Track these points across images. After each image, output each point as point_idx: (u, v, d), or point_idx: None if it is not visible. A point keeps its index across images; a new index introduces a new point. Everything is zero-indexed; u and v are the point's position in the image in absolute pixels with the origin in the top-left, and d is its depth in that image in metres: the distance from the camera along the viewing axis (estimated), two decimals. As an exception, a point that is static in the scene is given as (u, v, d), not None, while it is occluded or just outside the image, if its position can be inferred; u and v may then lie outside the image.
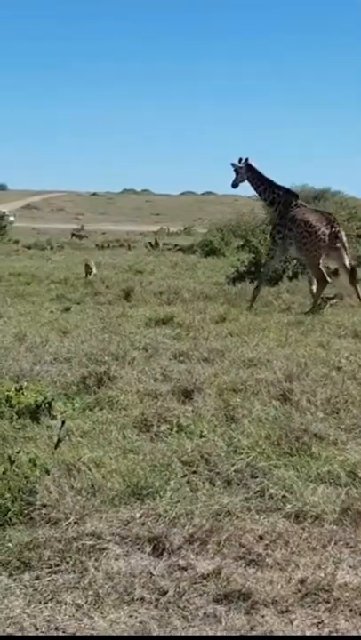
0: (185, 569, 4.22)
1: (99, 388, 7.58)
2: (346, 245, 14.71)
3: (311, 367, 8.25)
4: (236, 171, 15.58)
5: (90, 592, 3.97)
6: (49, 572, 4.17)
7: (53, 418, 6.54)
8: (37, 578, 4.13)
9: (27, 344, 9.81)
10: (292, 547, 4.45)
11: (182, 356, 9.12)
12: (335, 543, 4.52)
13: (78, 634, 3.66)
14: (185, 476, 5.31)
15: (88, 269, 19.68)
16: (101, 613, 3.80)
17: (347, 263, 14.65)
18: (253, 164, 15.46)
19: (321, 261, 14.51)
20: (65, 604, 3.88)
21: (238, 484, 5.27)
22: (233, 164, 15.57)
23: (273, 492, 5.08)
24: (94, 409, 6.96)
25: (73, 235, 47.94)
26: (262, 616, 3.80)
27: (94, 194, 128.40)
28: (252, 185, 15.58)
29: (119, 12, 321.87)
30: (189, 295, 15.43)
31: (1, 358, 8.72)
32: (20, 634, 3.68)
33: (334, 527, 4.70)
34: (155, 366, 8.49)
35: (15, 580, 4.13)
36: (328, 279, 14.42)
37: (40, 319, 12.59)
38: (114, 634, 3.66)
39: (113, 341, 9.81)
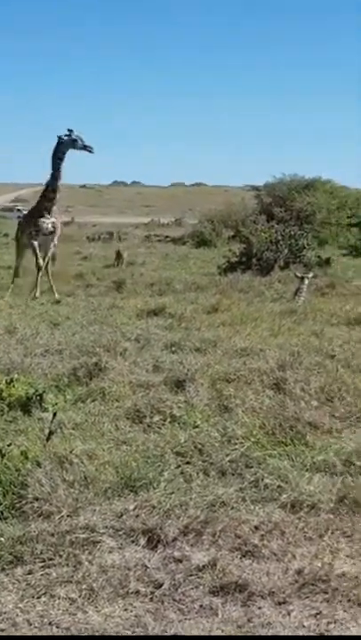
0: (180, 561, 4.16)
1: (90, 379, 7.51)
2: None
3: (304, 356, 8.20)
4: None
5: (84, 586, 3.90)
6: (42, 566, 4.10)
7: (45, 410, 6.46)
8: (30, 572, 4.06)
9: (17, 336, 9.73)
10: (289, 537, 4.40)
11: (174, 347, 9.06)
12: (332, 532, 4.47)
13: (72, 628, 3.59)
14: (179, 466, 5.26)
15: (119, 257, 20.24)
16: (96, 607, 3.74)
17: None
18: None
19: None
20: (59, 599, 3.82)
21: (233, 475, 5.21)
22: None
23: (268, 481, 5.02)
24: (86, 401, 6.89)
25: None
26: (259, 607, 3.74)
27: (84, 186, 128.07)
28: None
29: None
30: (181, 286, 15.42)
31: (-9, 351, 8.64)
32: (12, 629, 3.61)
33: (331, 516, 4.65)
34: (147, 357, 8.43)
35: (8, 574, 4.06)
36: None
37: (31, 312, 12.50)
38: (109, 627, 3.59)
39: (104, 333, 9.74)
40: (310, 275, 14.58)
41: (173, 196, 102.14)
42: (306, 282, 13.86)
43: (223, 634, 3.57)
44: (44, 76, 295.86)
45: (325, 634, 3.60)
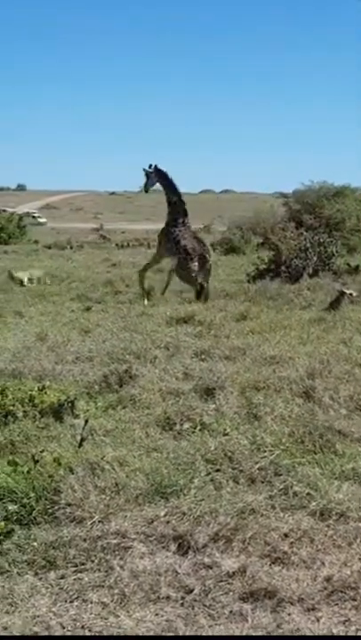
0: (210, 567, 4.21)
1: (121, 386, 7.58)
2: (209, 270, 15.75)
3: (333, 364, 8.21)
4: (146, 175, 16.59)
5: (115, 591, 3.97)
6: (74, 571, 4.18)
7: (76, 417, 6.55)
8: (63, 577, 4.14)
9: (48, 343, 9.84)
10: (318, 544, 4.43)
11: (204, 355, 9.10)
12: (361, 540, 4.49)
13: (105, 632, 3.66)
14: (209, 474, 5.30)
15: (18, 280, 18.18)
16: (127, 612, 3.80)
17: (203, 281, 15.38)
18: (162, 169, 16.39)
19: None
20: (91, 603, 3.89)
21: (262, 482, 5.25)
22: (144, 169, 16.55)
23: (297, 489, 5.06)
24: (117, 408, 6.96)
25: (101, 236, 48.43)
26: (289, 614, 3.78)
27: (113, 193, 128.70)
28: (163, 187, 16.50)
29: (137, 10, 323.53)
30: (210, 293, 15.41)
31: (23, 358, 8.75)
32: (46, 633, 3.68)
33: (360, 524, 4.67)
34: (176, 365, 8.48)
35: (41, 578, 4.14)
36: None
37: (61, 319, 12.61)
38: (140, 632, 3.65)
39: (134, 340, 9.81)
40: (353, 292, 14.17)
41: (202, 203, 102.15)
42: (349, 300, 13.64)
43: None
44: (70, 82, 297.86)
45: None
